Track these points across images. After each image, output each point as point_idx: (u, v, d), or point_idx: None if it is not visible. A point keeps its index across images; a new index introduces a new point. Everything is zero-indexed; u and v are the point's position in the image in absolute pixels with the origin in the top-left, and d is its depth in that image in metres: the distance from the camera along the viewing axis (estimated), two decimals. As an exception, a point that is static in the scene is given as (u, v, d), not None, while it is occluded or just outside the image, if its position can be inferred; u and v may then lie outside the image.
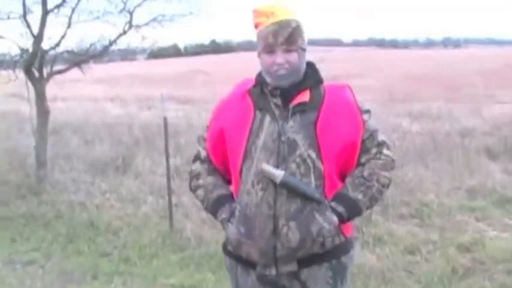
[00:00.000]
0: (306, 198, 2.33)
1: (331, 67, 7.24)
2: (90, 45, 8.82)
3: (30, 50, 7.91)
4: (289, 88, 2.41)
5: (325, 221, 2.35)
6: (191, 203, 6.58)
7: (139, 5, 8.41)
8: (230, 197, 2.52)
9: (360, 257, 5.24)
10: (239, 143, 2.42)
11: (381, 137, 2.52)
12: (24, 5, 7.85)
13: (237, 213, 2.44)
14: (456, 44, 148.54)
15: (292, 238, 2.32)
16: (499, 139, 9.55)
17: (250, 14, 2.49)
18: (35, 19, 7.94)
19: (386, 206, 6.63)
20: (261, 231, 2.34)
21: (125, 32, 8.45)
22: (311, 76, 2.48)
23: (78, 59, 8.63)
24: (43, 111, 8.15)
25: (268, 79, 2.42)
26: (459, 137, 9.56)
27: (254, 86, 2.50)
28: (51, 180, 8.11)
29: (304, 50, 2.44)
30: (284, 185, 2.31)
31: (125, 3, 8.34)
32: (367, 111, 2.50)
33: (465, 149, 8.98)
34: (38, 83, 8.03)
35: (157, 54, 55.01)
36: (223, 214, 2.49)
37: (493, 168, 8.10)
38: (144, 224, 6.54)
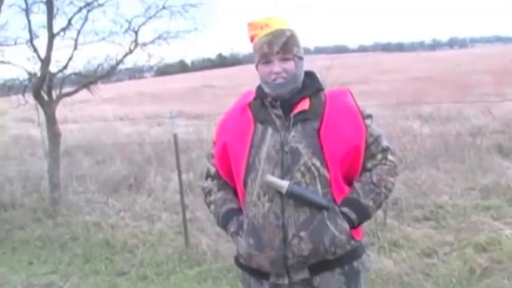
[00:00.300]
0: (313, 206, 2.33)
1: (338, 74, 7.23)
2: (98, 66, 8.89)
3: (39, 74, 7.96)
4: (289, 98, 2.43)
5: (337, 230, 2.36)
6: (206, 217, 6.60)
7: (144, 24, 8.47)
8: (238, 211, 2.54)
9: (377, 262, 5.24)
10: (241, 156, 2.45)
11: (385, 142, 2.54)
12: (30, 30, 7.93)
13: (245, 225, 2.45)
14: (462, 43, 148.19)
15: (305, 248, 2.33)
16: (510, 136, 9.49)
17: (246, 27, 2.53)
18: (41, 43, 8.02)
19: (400, 209, 6.62)
20: (270, 242, 2.35)
21: (131, 51, 8.50)
22: (310, 85, 2.50)
23: (86, 80, 8.67)
24: (54, 134, 8.20)
25: (267, 89, 2.44)
26: (470, 137, 9.52)
27: (254, 99, 2.52)
28: (66, 202, 8.15)
29: (300, 58, 2.46)
30: (290, 194, 2.32)
31: (130, 23, 8.40)
32: (369, 116, 2.51)
33: (477, 148, 8.95)
34: (48, 106, 8.08)
35: (164, 71, 55.26)
36: (232, 228, 2.52)
37: (505, 165, 8.06)
38: (159, 240, 6.55)
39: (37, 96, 7.99)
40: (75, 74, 8.76)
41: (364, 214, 2.44)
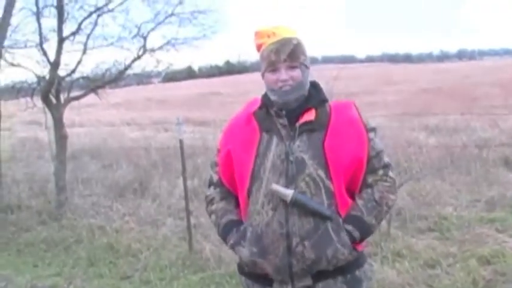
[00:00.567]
0: (317, 215, 2.34)
1: (345, 84, 7.25)
2: (106, 71, 8.94)
3: (47, 77, 8.02)
4: (295, 108, 2.43)
5: (340, 243, 2.37)
6: (210, 223, 6.57)
7: (152, 30, 8.52)
8: (238, 222, 2.55)
9: (380, 272, 5.23)
10: (246, 166, 2.45)
11: (386, 158, 2.55)
12: (40, 33, 7.99)
13: (248, 234, 2.46)
14: (471, 56, 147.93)
15: (308, 257, 2.34)
16: (516, 149, 9.49)
17: (253, 36, 2.55)
18: (51, 47, 8.07)
19: (404, 220, 6.62)
20: (275, 250, 2.36)
21: (139, 57, 8.55)
22: (315, 96, 2.51)
23: (94, 84, 8.73)
24: (61, 137, 8.25)
25: (273, 97, 2.45)
26: (476, 149, 9.52)
27: (260, 107, 2.52)
28: (71, 205, 8.18)
29: (307, 67, 2.47)
30: (294, 203, 2.32)
31: (139, 28, 8.45)
32: (373, 129, 2.51)
33: (483, 160, 8.95)
34: (56, 110, 8.13)
35: (172, 77, 55.35)
36: (232, 240, 2.52)
37: (511, 178, 8.05)
38: (163, 245, 6.56)
39: (45, 99, 8.04)
40: (83, 78, 8.82)
41: (367, 232, 2.46)
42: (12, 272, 6.24)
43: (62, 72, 8.20)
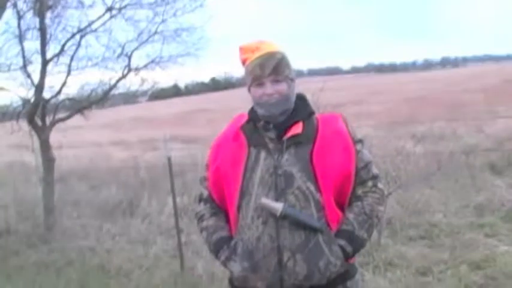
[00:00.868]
0: (308, 228, 2.34)
1: (332, 95, 7.28)
2: (91, 91, 8.93)
3: (32, 99, 7.99)
4: (282, 121, 2.44)
5: (332, 255, 2.37)
6: (201, 240, 6.58)
7: (136, 49, 8.51)
8: (229, 238, 2.54)
9: (372, 282, 5.24)
10: (235, 181, 2.45)
11: (374, 169, 2.56)
12: (23, 56, 7.97)
13: (239, 249, 2.45)
14: (454, 63, 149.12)
15: (300, 271, 2.34)
16: (502, 154, 9.57)
17: (237, 51, 2.56)
18: (35, 69, 8.05)
19: (394, 229, 6.64)
20: (266, 264, 2.36)
21: (124, 76, 8.54)
22: (302, 108, 2.52)
23: (80, 105, 8.70)
24: (48, 160, 8.21)
25: (260, 110, 2.46)
26: (463, 155, 9.58)
27: (247, 122, 2.53)
28: (60, 227, 8.13)
29: (292, 80, 2.48)
30: (284, 216, 2.33)
31: (123, 48, 8.44)
32: (360, 141, 2.53)
33: (470, 166, 9.01)
34: (42, 132, 8.10)
35: (158, 95, 55.32)
36: (223, 256, 2.51)
37: (498, 183, 8.11)
38: (155, 264, 6.53)
39: (31, 122, 8.01)
40: (68, 99, 8.80)
41: (359, 246, 2.46)
42: (3, 297, 6.19)
43: (46, 94, 8.19)
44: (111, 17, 8.07)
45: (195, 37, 8.67)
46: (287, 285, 2.36)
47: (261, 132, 2.47)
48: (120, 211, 8.83)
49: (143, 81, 8.86)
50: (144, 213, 8.64)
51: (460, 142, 11.61)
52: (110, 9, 7.98)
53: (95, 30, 8.24)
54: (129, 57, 8.49)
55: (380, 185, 2.56)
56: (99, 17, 8.06)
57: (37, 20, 7.85)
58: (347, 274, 2.48)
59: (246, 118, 2.56)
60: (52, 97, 8.29)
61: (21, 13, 7.89)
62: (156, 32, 8.45)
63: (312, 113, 2.53)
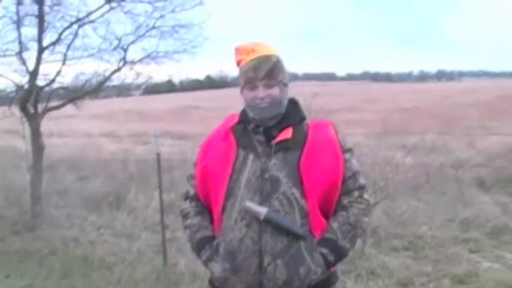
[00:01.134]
0: (290, 234, 2.35)
1: (325, 101, 7.27)
2: (85, 82, 8.89)
3: (26, 86, 7.96)
4: (272, 125, 2.44)
5: (313, 263, 2.37)
6: (185, 238, 6.57)
7: (133, 42, 8.49)
8: (212, 238, 2.55)
9: (354, 290, 5.25)
10: (221, 181, 2.46)
11: (362, 180, 2.56)
12: (20, 42, 7.93)
13: (221, 250, 2.46)
14: (450, 76, 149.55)
15: (279, 276, 2.34)
16: (492, 170, 9.60)
17: (233, 51, 2.55)
18: (30, 56, 8.02)
19: (379, 238, 6.65)
20: (247, 267, 2.36)
21: (119, 69, 8.51)
22: (293, 113, 2.52)
23: (73, 95, 8.67)
24: (38, 147, 8.18)
25: (251, 113, 2.46)
26: (452, 169, 9.61)
27: (237, 123, 2.53)
28: (46, 216, 8.10)
29: (285, 84, 2.48)
30: (268, 221, 2.33)
31: (120, 40, 8.41)
32: (349, 150, 2.53)
33: (459, 181, 9.04)
34: (33, 119, 8.07)
35: (152, 89, 55.17)
36: (204, 256, 2.52)
37: (486, 199, 8.14)
38: (138, 259, 6.52)
39: (23, 108, 7.97)
40: (62, 88, 8.75)
41: (341, 255, 2.46)
42: (-17, 283, 6.16)
43: (41, 81, 8.14)
44: (111, 9, 8.04)
45: (193, 34, 8.65)
46: None
47: (251, 134, 2.47)
48: (107, 203, 8.80)
49: (138, 75, 8.84)
50: (131, 207, 8.62)
51: (450, 156, 11.64)
52: (109, 0, 7.95)
53: (93, 21, 8.20)
54: (125, 50, 8.46)
55: (366, 196, 2.56)
56: (99, 8, 8.03)
57: (36, 7, 7.81)
58: (328, 281, 2.48)
59: (237, 119, 2.56)
60: (46, 85, 8.24)
61: (20, -1, 7.86)
62: (153, 27, 8.43)
63: (303, 118, 2.53)
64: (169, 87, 71.44)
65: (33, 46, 7.98)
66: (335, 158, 2.44)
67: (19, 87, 8.21)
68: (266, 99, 2.41)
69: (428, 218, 7.44)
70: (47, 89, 8.39)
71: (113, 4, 8.02)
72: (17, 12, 7.87)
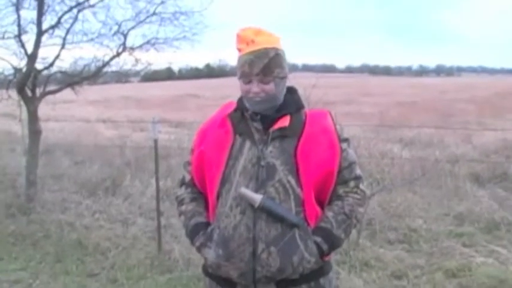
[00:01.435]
0: (285, 222, 2.35)
1: (323, 93, 7.25)
2: (84, 67, 8.87)
3: (24, 69, 7.93)
4: (270, 113, 2.43)
5: (307, 251, 2.37)
6: (180, 225, 6.56)
7: (133, 28, 8.46)
8: (206, 225, 2.54)
9: (347, 281, 5.27)
10: (217, 167, 2.45)
11: (358, 170, 2.56)
12: (19, 25, 7.90)
13: (215, 236, 2.45)
14: (449, 72, 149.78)
15: (273, 264, 2.34)
16: (488, 166, 9.61)
17: (234, 39, 2.51)
18: (29, 39, 7.99)
19: (374, 230, 6.66)
20: (240, 254, 2.36)
21: (118, 54, 8.48)
22: (292, 102, 2.50)
23: (72, 79, 8.65)
24: (35, 131, 8.16)
25: (246, 104, 2.46)
26: (448, 164, 9.63)
27: (235, 110, 2.52)
28: (41, 199, 8.10)
29: (282, 78, 2.44)
30: (262, 208, 2.32)
31: (119, 26, 8.38)
32: (346, 140, 2.52)
33: (454, 175, 9.05)
34: (31, 103, 8.04)
35: (151, 77, 55.15)
36: (197, 242, 2.52)
37: (481, 194, 8.15)
38: (132, 245, 6.53)
39: (21, 92, 7.95)
40: (60, 72, 8.73)
41: (335, 244, 2.46)
42: (-23, 265, 6.16)
43: (39, 65, 8.12)
44: (112, -7, 8.03)
45: (193, 21, 8.63)
46: (259, 276, 2.36)
47: (248, 121, 2.46)
48: (103, 189, 8.79)
49: (137, 61, 8.79)
50: (126, 193, 8.61)
51: (446, 150, 11.66)
52: (110, -15, 7.94)
53: (93, 6, 8.19)
54: (125, 36, 8.44)
55: (362, 187, 2.56)
56: (99, -8, 8.02)
57: (35, -11, 7.79)
58: (321, 271, 2.48)
59: (234, 106, 2.54)
60: (44, 68, 8.22)
61: (20, -19, 7.83)
62: (154, 13, 8.40)
63: (301, 107, 2.52)
64: (168, 74, 71.49)
65: (33, 29, 7.97)
66: (332, 147, 2.43)
67: (17, 70, 8.18)
68: (260, 94, 2.38)
69: (423, 212, 7.45)
70: (45, 72, 8.37)
71: (114, -11, 8.00)
72: (17, -6, 7.83)
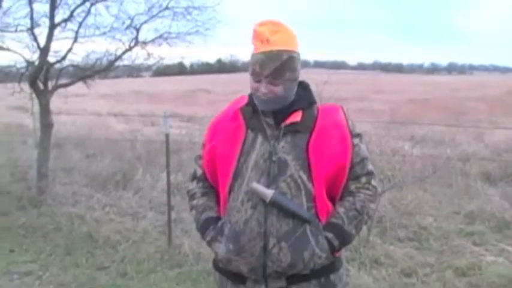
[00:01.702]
0: (296, 218, 2.34)
1: (335, 89, 7.23)
2: (96, 60, 8.88)
3: (36, 62, 7.96)
4: (282, 108, 2.41)
5: (318, 247, 2.36)
6: (190, 219, 6.58)
7: (146, 22, 8.47)
8: (217, 219, 2.54)
9: (357, 278, 5.26)
10: (229, 162, 2.44)
11: (370, 166, 2.54)
12: (32, 18, 7.92)
13: (226, 230, 2.45)
14: (461, 70, 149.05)
15: (283, 259, 2.33)
16: (499, 164, 9.56)
17: (245, 34, 2.50)
18: (42, 32, 8.01)
19: (384, 228, 6.65)
20: (251, 248, 2.35)
21: (130, 48, 8.50)
22: (303, 97, 2.47)
23: (84, 73, 8.67)
24: (46, 124, 8.19)
25: (255, 100, 2.44)
26: (460, 162, 9.59)
27: (246, 105, 2.50)
28: (52, 192, 8.13)
29: (293, 81, 2.39)
30: (274, 203, 2.32)
31: (132, 20, 8.39)
32: (358, 135, 2.50)
33: (465, 174, 9.01)
34: (43, 96, 8.07)
35: (162, 71, 55.17)
36: (208, 236, 2.51)
37: (492, 193, 8.11)
38: (142, 238, 6.54)
39: (33, 85, 7.98)
40: (73, 66, 8.75)
41: (346, 240, 2.45)
42: (-12, 257, 6.20)
43: (51, 58, 8.13)
44: (125, -13, 8.04)
45: (205, 16, 8.63)
46: (269, 272, 2.36)
47: (260, 116, 2.44)
48: (113, 182, 8.82)
49: (149, 55, 8.80)
50: (137, 186, 8.63)
51: (458, 149, 11.61)
52: (123, -21, 7.94)
53: (106, 0, 8.20)
54: (138, 30, 8.45)
55: (374, 182, 2.54)
56: (112, -14, 8.03)
57: (48, -18, 7.80)
58: (331, 267, 2.47)
59: (246, 101, 2.53)
60: (57, 61, 8.23)
61: (33, -26, 7.85)
62: (167, 8, 8.41)
63: (313, 102, 2.49)
64: (180, 69, 71.45)
65: (45, 22, 7.99)
66: (344, 142, 2.41)
67: (29, 63, 8.21)
68: (268, 94, 2.35)
69: (434, 210, 7.43)
70: (57, 66, 8.38)
71: (127, -17, 8.01)
72: (29, -12, 7.85)
